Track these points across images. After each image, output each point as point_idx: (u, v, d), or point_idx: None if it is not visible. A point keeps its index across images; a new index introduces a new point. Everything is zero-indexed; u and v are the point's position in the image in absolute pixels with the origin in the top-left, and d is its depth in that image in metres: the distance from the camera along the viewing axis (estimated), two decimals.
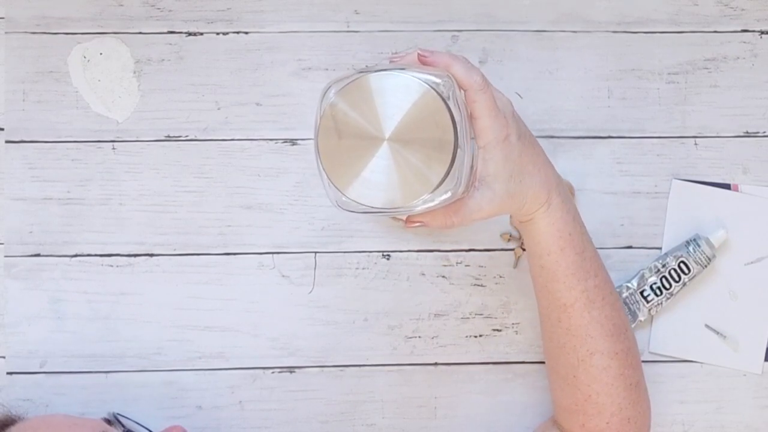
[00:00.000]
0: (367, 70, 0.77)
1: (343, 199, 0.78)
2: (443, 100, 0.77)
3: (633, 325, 0.95)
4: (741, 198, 0.96)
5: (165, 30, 0.97)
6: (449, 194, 0.78)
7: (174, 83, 0.97)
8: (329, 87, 0.78)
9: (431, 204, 0.78)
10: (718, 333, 0.96)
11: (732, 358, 0.96)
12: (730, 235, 0.95)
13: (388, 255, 0.97)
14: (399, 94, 0.76)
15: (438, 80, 0.78)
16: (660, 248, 0.97)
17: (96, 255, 0.97)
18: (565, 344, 0.84)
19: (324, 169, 0.77)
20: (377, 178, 0.77)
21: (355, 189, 0.77)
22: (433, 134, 0.76)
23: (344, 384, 0.97)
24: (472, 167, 0.79)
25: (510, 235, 0.97)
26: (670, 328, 0.96)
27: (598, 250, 0.96)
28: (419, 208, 0.78)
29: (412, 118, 0.76)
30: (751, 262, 0.95)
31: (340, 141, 0.77)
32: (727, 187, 0.96)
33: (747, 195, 0.96)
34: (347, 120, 0.77)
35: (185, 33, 0.97)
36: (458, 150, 0.77)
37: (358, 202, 0.77)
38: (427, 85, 0.76)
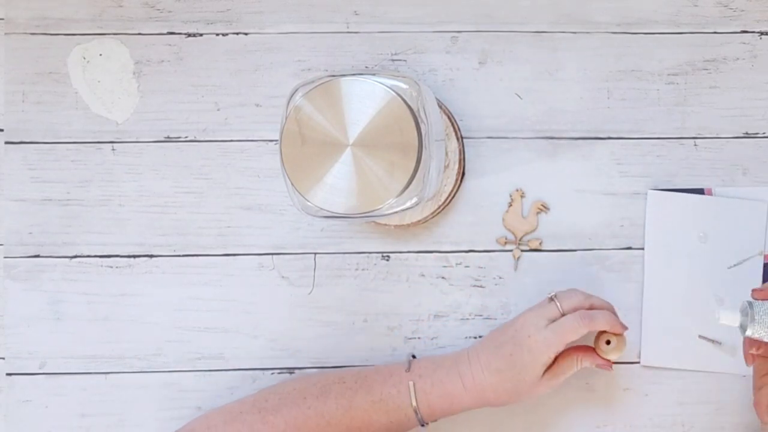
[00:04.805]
0: (335, 75, 0.77)
1: (307, 204, 0.77)
2: (409, 107, 0.76)
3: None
4: (716, 202, 0.95)
5: (164, 31, 0.97)
6: (415, 200, 0.78)
7: (173, 84, 0.97)
8: (296, 89, 0.78)
9: (397, 210, 0.78)
10: (713, 341, 0.96)
11: (729, 363, 0.95)
12: (710, 241, 0.94)
13: (388, 256, 0.97)
14: (365, 100, 0.76)
15: (405, 86, 0.78)
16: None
17: (95, 256, 0.97)
18: None
19: (287, 174, 0.77)
20: (340, 183, 0.76)
21: (318, 194, 0.77)
22: (397, 141, 0.76)
23: None
24: (440, 173, 0.79)
25: (506, 239, 0.96)
26: (664, 342, 0.95)
27: (598, 251, 0.96)
28: (386, 214, 0.77)
29: (377, 125, 0.76)
30: (734, 265, 0.95)
31: (304, 145, 0.77)
32: (701, 192, 0.96)
33: (721, 198, 0.95)
34: (312, 124, 0.76)
35: (185, 34, 0.97)
36: (423, 157, 0.77)
37: (321, 208, 0.77)
38: (393, 92, 0.76)
